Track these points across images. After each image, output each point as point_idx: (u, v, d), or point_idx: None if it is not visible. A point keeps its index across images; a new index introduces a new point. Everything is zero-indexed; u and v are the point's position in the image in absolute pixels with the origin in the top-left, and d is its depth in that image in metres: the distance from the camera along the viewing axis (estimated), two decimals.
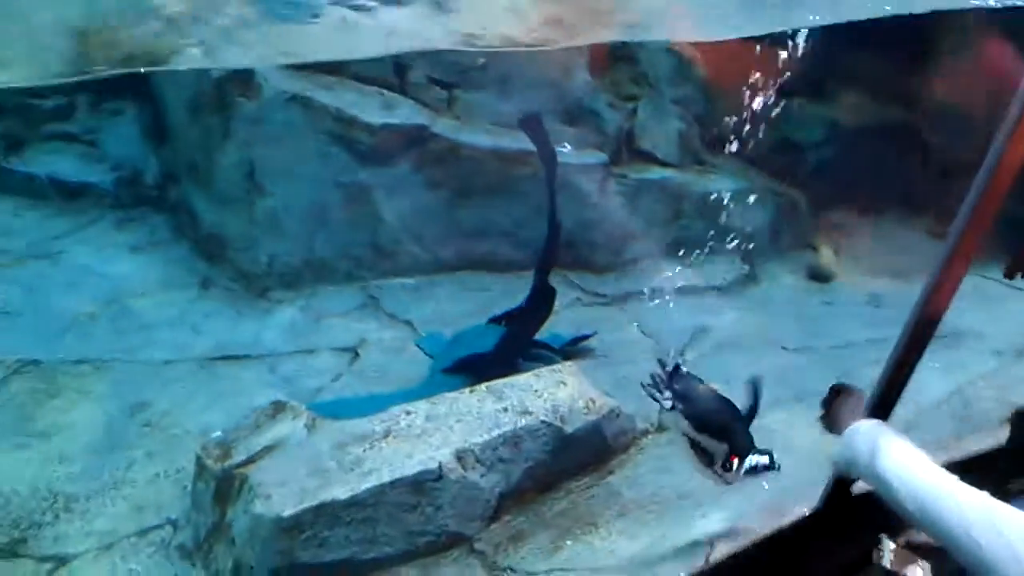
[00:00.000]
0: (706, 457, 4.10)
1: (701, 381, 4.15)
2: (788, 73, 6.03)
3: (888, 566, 2.25)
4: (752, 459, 3.84)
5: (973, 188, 2.22)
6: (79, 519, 3.70)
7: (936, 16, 5.02)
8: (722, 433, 4.05)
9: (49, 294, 5.19)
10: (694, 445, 4.13)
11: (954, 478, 1.70)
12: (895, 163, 5.92)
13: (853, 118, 6.23)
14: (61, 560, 3.51)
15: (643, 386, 4.10)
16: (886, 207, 6.12)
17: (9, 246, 5.58)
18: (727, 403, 4.11)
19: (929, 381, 4.73)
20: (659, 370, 4.15)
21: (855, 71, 6.09)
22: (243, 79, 5.27)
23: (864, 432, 1.92)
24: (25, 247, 5.59)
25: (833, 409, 2.18)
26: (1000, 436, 3.00)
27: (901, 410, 2.79)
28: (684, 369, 4.06)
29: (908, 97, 6.10)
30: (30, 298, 5.13)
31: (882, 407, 2.52)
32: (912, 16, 3.89)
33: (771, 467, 3.96)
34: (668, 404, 4.06)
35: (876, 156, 5.91)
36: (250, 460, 3.60)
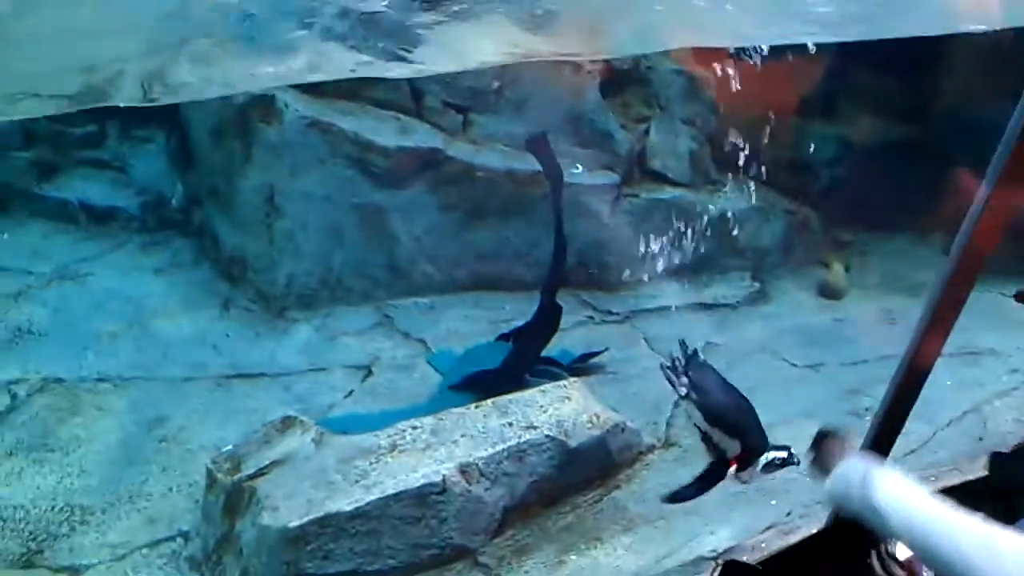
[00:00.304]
0: (718, 453, 4.07)
1: (718, 373, 4.08)
2: (799, 91, 6.08)
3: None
4: (768, 455, 3.56)
5: (967, 219, 2.25)
6: (94, 531, 3.81)
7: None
8: (735, 429, 3.99)
9: (74, 315, 5.35)
10: (706, 439, 4.08)
11: (948, 506, 1.70)
12: (908, 180, 5.89)
13: (865, 136, 6.23)
14: (75, 570, 3.63)
15: (662, 367, 4.10)
16: (899, 225, 6.09)
17: (38, 268, 5.77)
18: (742, 398, 4.07)
19: (945, 399, 4.69)
20: (679, 353, 4.09)
21: (867, 88, 6.10)
22: (265, 105, 5.44)
23: (855, 467, 1.93)
24: (53, 270, 5.78)
25: (821, 453, 2.20)
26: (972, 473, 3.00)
27: (917, 428, 2.80)
28: (702, 358, 3.81)
29: (921, 114, 6.09)
30: (56, 319, 5.30)
31: (880, 444, 2.52)
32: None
33: (790, 462, 3.87)
34: (683, 391, 4.00)
35: (888, 174, 5.89)
36: (259, 473, 3.69)
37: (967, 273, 2.14)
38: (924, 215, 5.74)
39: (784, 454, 3.74)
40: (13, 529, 3.80)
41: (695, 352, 3.89)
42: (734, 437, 3.96)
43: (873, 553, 2.31)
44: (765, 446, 3.86)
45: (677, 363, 4.03)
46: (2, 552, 3.68)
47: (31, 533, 3.76)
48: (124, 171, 6.61)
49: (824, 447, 2.19)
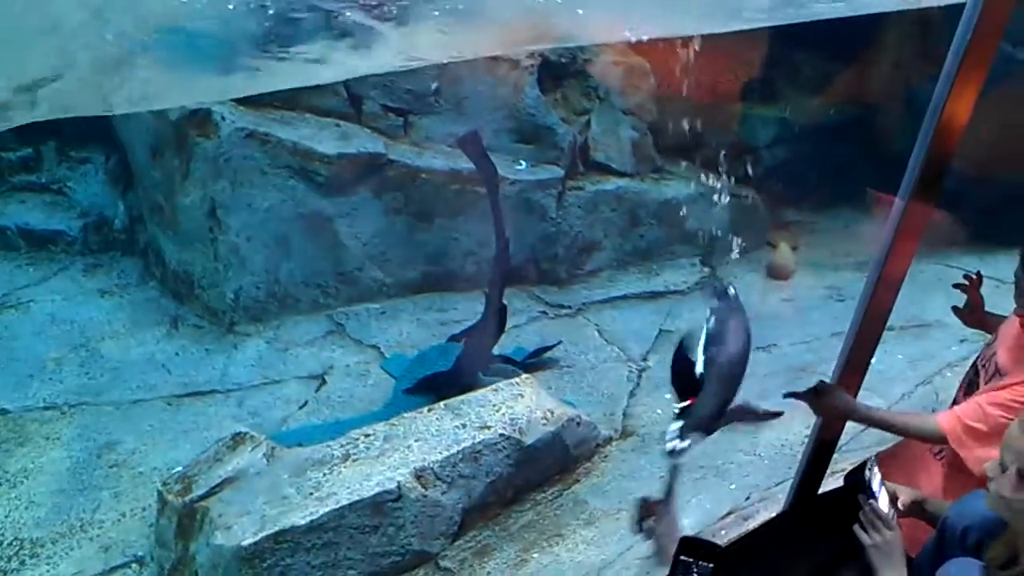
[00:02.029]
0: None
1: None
2: (738, 76, 6.14)
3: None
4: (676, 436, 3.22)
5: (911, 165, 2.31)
6: (44, 563, 3.73)
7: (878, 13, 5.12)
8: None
9: (17, 343, 5.24)
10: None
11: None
12: (849, 158, 5.99)
13: (805, 116, 6.31)
14: None
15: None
16: (842, 202, 6.19)
17: None
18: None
19: (897, 373, 4.76)
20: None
21: (804, 70, 6.18)
22: (201, 119, 5.35)
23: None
24: None
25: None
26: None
27: (871, 402, 2.84)
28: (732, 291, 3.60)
29: (858, 92, 6.19)
30: None
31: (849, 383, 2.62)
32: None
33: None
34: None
35: (830, 152, 5.99)
36: (211, 492, 3.63)
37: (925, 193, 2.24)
38: (866, 191, 5.85)
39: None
40: None
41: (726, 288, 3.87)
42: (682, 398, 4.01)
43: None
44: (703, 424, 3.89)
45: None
46: None
47: None
48: (63, 193, 6.48)
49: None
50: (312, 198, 5.45)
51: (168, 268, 5.77)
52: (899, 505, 2.43)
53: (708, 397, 3.17)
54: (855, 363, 2.67)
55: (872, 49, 6.00)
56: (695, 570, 2.08)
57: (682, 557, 2.11)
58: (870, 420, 2.65)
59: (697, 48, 5.13)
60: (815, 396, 2.60)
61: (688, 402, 3.14)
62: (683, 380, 3.23)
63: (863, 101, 6.12)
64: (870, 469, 2.38)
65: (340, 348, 5.25)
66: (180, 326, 5.50)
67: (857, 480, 2.91)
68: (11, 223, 6.19)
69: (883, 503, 2.36)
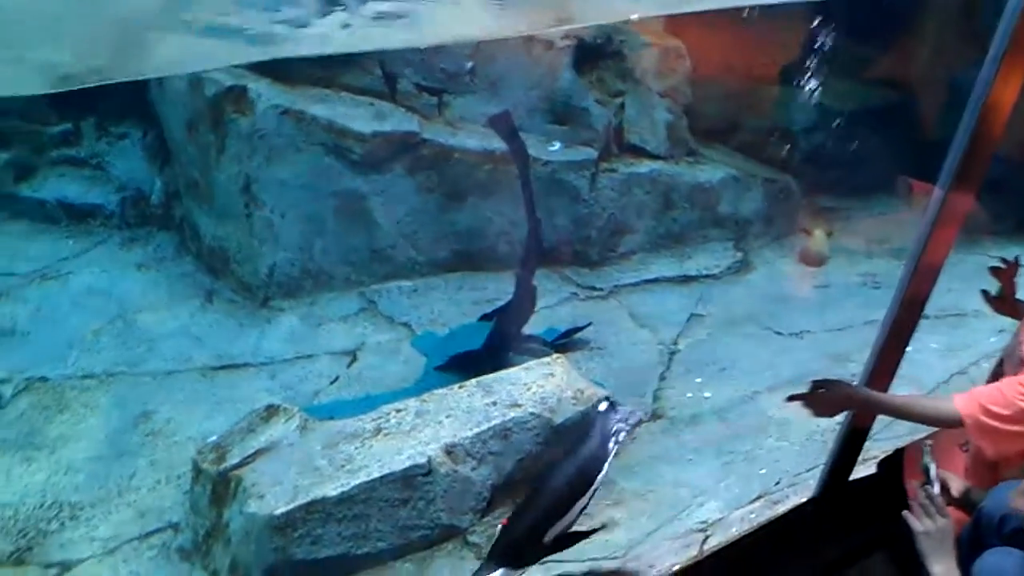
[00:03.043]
0: None
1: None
2: (776, 58, 6.06)
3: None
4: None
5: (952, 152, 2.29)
6: (83, 526, 3.82)
7: None
8: None
9: (57, 313, 5.33)
10: None
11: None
12: (887, 144, 5.91)
13: (844, 101, 6.22)
14: (65, 566, 3.63)
15: None
16: (879, 189, 6.10)
17: (19, 269, 5.74)
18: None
19: (931, 361, 4.71)
20: None
21: (845, 53, 6.09)
22: (236, 95, 5.40)
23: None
24: (34, 270, 5.75)
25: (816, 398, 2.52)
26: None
27: (904, 391, 2.81)
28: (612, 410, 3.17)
29: (899, 77, 6.09)
30: (39, 318, 5.28)
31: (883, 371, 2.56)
32: None
33: None
34: None
35: (868, 138, 5.89)
36: (244, 462, 3.69)
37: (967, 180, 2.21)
38: (903, 181, 5.77)
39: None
40: (2, 527, 3.80)
41: None
42: None
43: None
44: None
45: None
46: None
47: (21, 531, 3.77)
48: (102, 168, 6.57)
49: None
50: (346, 176, 5.48)
51: (203, 243, 5.84)
52: (953, 493, 2.41)
53: (523, 520, 2.77)
54: (890, 351, 2.65)
55: (914, 32, 5.90)
56: None
57: None
58: (882, 408, 2.59)
59: (734, 30, 5.07)
60: (812, 397, 2.53)
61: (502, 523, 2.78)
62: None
63: (904, 85, 6.02)
64: (928, 456, 2.36)
65: (372, 325, 5.29)
66: (215, 300, 5.57)
67: (893, 467, 2.90)
68: (51, 196, 6.30)
69: (936, 491, 2.34)
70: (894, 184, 5.71)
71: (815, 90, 5.91)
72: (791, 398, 2.55)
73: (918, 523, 2.26)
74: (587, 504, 2.88)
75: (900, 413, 2.57)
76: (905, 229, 5.73)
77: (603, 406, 2.97)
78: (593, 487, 2.84)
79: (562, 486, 2.78)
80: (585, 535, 2.91)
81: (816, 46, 5.81)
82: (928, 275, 2.51)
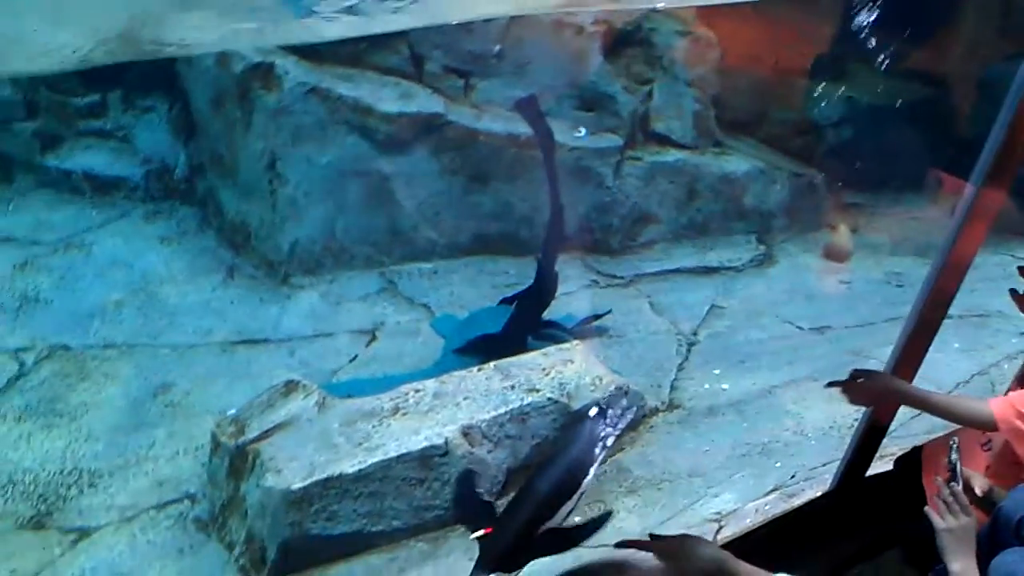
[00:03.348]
0: None
1: None
2: (806, 50, 6.00)
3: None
4: None
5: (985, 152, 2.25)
6: (102, 493, 3.86)
7: None
8: None
9: (80, 283, 5.37)
10: None
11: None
12: (917, 142, 5.84)
13: (874, 96, 6.15)
14: (84, 532, 3.67)
15: None
16: (906, 186, 6.03)
17: (43, 238, 5.78)
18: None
19: (952, 362, 4.67)
20: None
21: (873, 48, 6.02)
22: (264, 72, 5.41)
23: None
24: (58, 239, 5.79)
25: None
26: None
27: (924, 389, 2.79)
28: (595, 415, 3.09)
29: (932, 74, 6.01)
30: (62, 287, 5.32)
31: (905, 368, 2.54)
32: None
33: None
34: None
35: (897, 135, 5.83)
36: (262, 436, 3.71)
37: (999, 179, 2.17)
38: (933, 177, 5.70)
39: None
40: (23, 492, 3.85)
41: None
42: None
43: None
44: None
45: None
46: (13, 514, 3.74)
47: (41, 496, 3.81)
48: (127, 141, 6.60)
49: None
50: (370, 155, 5.49)
51: (226, 218, 5.86)
52: (977, 492, 2.39)
53: (507, 526, 2.68)
54: (913, 348, 2.62)
55: (948, 27, 5.81)
56: None
57: None
58: (918, 402, 2.58)
59: (766, 21, 5.02)
60: (851, 384, 2.52)
61: (483, 532, 2.68)
62: (472, 508, 2.83)
63: (936, 81, 5.94)
64: (956, 453, 2.34)
65: (391, 305, 5.30)
66: (236, 275, 5.59)
67: (911, 465, 2.87)
68: (77, 167, 6.34)
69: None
70: (924, 179, 5.64)
71: (845, 84, 5.86)
72: (831, 384, 2.55)
73: (940, 520, 2.24)
74: (574, 507, 2.83)
75: (935, 409, 2.57)
76: (931, 228, 5.68)
77: (593, 411, 2.95)
78: (580, 490, 2.79)
79: (549, 489, 2.72)
80: (576, 532, 2.83)
81: (848, 39, 5.74)
82: (956, 271, 2.48)
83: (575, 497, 2.75)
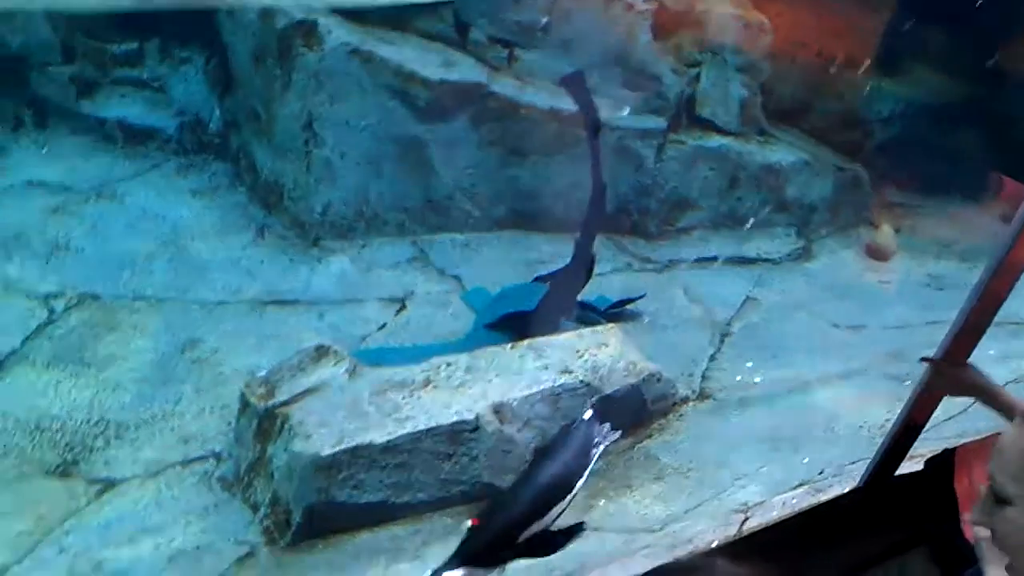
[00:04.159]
0: None
1: None
2: (860, 43, 5.85)
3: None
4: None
5: None
6: (128, 446, 3.84)
7: None
8: None
9: (111, 233, 5.34)
10: None
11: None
12: (968, 143, 5.71)
13: (927, 94, 6.02)
14: (110, 483, 3.66)
15: None
16: (955, 188, 5.92)
17: (76, 185, 5.75)
18: None
19: (987, 368, 4.58)
20: None
21: (930, 44, 5.88)
22: (307, 29, 5.33)
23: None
24: (91, 187, 5.75)
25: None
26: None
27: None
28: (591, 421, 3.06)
29: (989, 75, 5.85)
30: (93, 236, 5.29)
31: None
32: None
33: None
34: None
35: (948, 135, 5.71)
36: (292, 400, 3.68)
37: None
38: (982, 180, 5.58)
39: None
40: (50, 440, 3.84)
41: None
42: None
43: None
44: None
45: None
46: (40, 461, 3.73)
47: (67, 444, 3.80)
48: (162, 91, 6.53)
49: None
50: (409, 122, 5.41)
51: (259, 176, 5.80)
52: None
53: (494, 520, 2.62)
54: (956, 351, 2.56)
55: (1011, 26, 5.65)
56: None
57: None
58: (998, 401, 2.50)
59: (822, 10, 4.89)
60: (944, 367, 2.46)
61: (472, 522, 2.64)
62: None
63: (996, 82, 5.78)
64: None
65: (422, 275, 5.25)
66: (267, 234, 5.54)
67: (942, 467, 2.82)
68: (111, 115, 6.28)
69: None
70: (975, 182, 5.53)
71: (898, 79, 5.73)
72: (924, 359, 2.49)
73: (982, 529, 2.20)
74: (564, 510, 2.77)
75: (1013, 411, 2.49)
76: (978, 232, 5.58)
77: (587, 414, 2.92)
78: (572, 493, 2.75)
79: (540, 489, 2.67)
80: (563, 536, 2.74)
81: (904, 33, 5.61)
82: (1010, 275, 2.40)
83: (566, 500, 2.70)
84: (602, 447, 2.89)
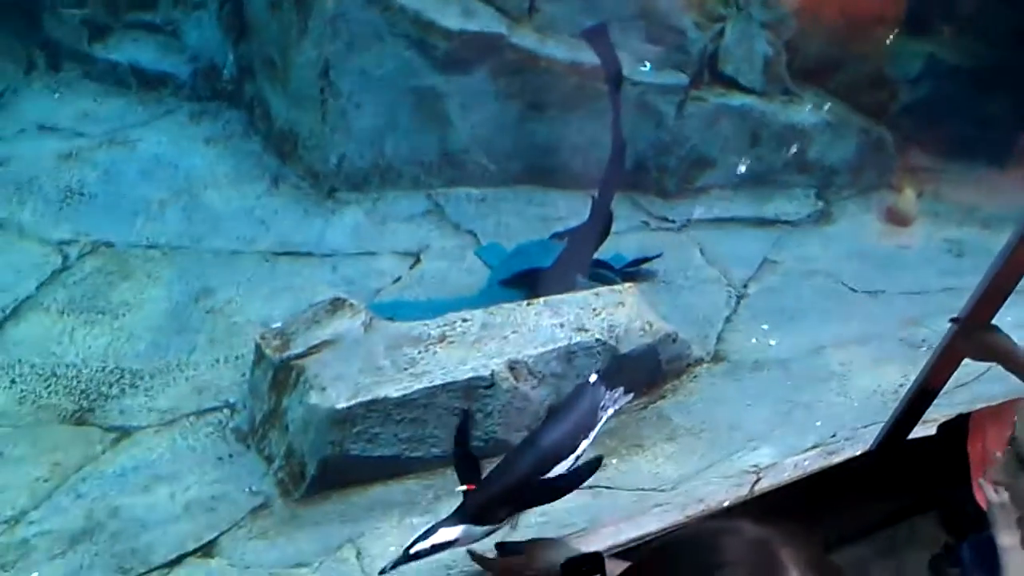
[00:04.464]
0: None
1: None
2: (890, 2, 5.71)
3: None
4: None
5: None
6: (143, 395, 3.86)
7: None
8: None
9: (124, 179, 5.30)
10: None
11: None
12: (996, 108, 5.59)
13: (957, 56, 5.87)
14: (125, 431, 3.68)
15: None
16: (981, 153, 5.79)
17: (89, 130, 5.70)
18: None
19: None
20: None
21: (961, 4, 5.73)
22: None
23: None
24: (104, 132, 5.70)
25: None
26: None
27: (967, 360, 2.70)
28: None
29: (1018, 36, 5.71)
30: (106, 182, 5.25)
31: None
32: None
33: None
34: None
35: (976, 99, 5.58)
36: (307, 352, 3.67)
37: None
38: (1010, 146, 5.47)
39: None
40: (66, 386, 3.85)
41: None
42: None
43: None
44: None
45: None
46: (56, 407, 3.75)
47: (83, 392, 3.81)
48: (176, 36, 6.42)
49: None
50: (426, 72, 5.31)
51: (274, 124, 5.73)
52: None
53: (496, 479, 2.56)
54: (977, 316, 2.53)
55: None
56: None
57: None
58: (1022, 365, 2.47)
59: None
60: (968, 327, 2.45)
61: (467, 488, 2.58)
62: (465, 462, 2.70)
63: None
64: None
65: (437, 229, 5.21)
66: (280, 184, 5.50)
67: (955, 432, 2.82)
68: (124, 59, 6.20)
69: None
70: (1004, 148, 5.42)
71: (927, 40, 5.59)
72: (953, 320, 2.51)
73: (993, 493, 2.20)
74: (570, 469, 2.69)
75: None
76: (1002, 198, 5.48)
77: (593, 377, 2.86)
78: (576, 453, 2.67)
79: (544, 452, 2.60)
80: (563, 481, 2.64)
81: None
82: None
83: (570, 460, 2.63)
84: (611, 410, 2.83)
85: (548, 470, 2.57)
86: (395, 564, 2.42)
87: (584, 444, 2.70)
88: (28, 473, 3.47)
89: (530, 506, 2.75)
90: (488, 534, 2.51)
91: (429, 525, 2.51)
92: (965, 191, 5.72)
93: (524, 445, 2.72)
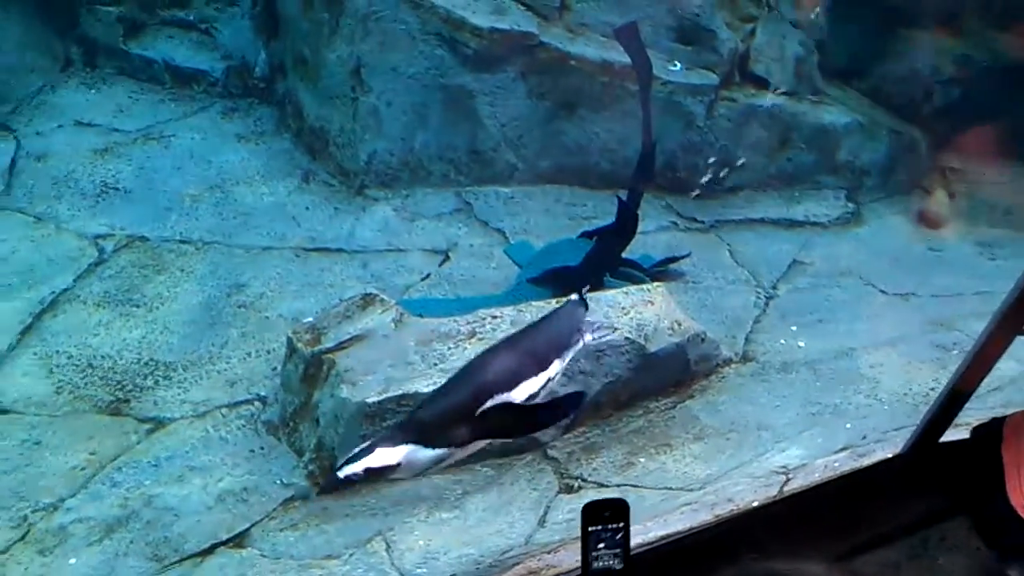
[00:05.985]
0: None
1: None
2: (921, 3, 5.66)
3: None
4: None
5: None
6: (176, 387, 3.92)
7: None
8: None
9: (158, 175, 5.38)
10: None
11: None
12: None
13: (991, 56, 5.81)
14: (160, 422, 3.75)
15: None
16: (1016, 155, 5.73)
17: (124, 126, 5.78)
18: None
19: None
20: None
21: (996, 3, 5.66)
22: None
23: None
24: (138, 128, 5.78)
25: None
26: None
27: (1005, 365, 2.67)
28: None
29: None
30: (140, 177, 5.33)
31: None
32: None
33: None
34: None
35: (1010, 100, 5.51)
36: (339, 347, 3.71)
37: None
38: None
39: None
40: (102, 377, 3.92)
41: None
42: None
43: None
44: None
45: None
46: (92, 398, 3.82)
47: (118, 383, 3.88)
48: (209, 34, 6.51)
49: None
50: (457, 71, 5.35)
51: (305, 122, 5.79)
52: None
53: (449, 391, 2.25)
54: (1012, 323, 2.50)
55: None
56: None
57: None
58: None
59: None
60: None
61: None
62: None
63: None
64: None
65: (466, 227, 5.23)
66: (311, 181, 5.55)
67: (990, 436, 2.79)
68: (158, 57, 6.28)
69: None
70: None
71: (961, 40, 5.54)
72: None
73: None
74: (540, 391, 2.38)
75: None
76: None
77: (574, 296, 2.66)
78: (548, 375, 2.37)
79: (506, 361, 2.28)
80: (536, 412, 2.35)
81: None
82: None
83: (539, 381, 2.33)
84: (590, 336, 2.61)
85: (512, 386, 2.26)
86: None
87: (557, 365, 2.42)
88: (65, 462, 3.54)
89: (495, 436, 2.39)
90: (438, 462, 2.15)
91: (367, 443, 2.11)
92: (999, 193, 5.66)
93: (486, 353, 2.40)
